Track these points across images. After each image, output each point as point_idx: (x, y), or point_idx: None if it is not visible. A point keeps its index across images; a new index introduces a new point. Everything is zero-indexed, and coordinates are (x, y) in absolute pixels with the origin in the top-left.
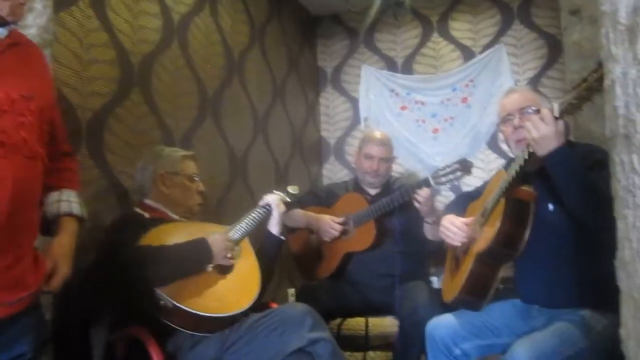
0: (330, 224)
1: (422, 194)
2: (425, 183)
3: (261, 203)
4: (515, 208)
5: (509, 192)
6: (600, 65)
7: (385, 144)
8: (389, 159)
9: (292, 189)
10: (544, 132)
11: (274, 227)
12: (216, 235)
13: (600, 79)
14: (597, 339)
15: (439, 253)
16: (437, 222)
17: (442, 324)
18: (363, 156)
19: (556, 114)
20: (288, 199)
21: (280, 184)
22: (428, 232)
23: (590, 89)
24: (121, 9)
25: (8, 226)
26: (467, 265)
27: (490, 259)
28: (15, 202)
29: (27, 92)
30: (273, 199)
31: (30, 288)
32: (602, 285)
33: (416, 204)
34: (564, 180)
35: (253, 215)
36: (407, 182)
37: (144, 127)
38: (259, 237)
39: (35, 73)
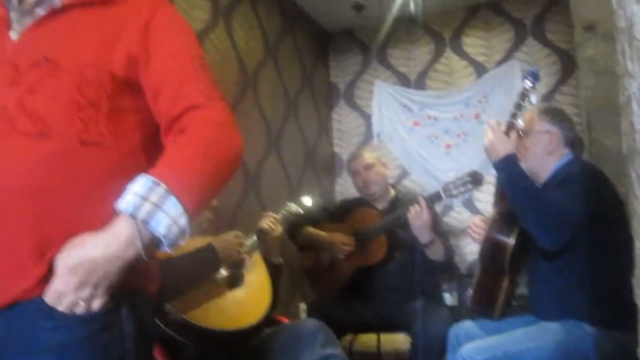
0: (342, 241)
1: (414, 209)
2: (437, 196)
3: (257, 227)
4: (502, 219)
5: (499, 204)
6: (524, 87)
7: (362, 153)
8: (372, 165)
9: (305, 200)
10: (490, 141)
11: (269, 254)
12: (226, 236)
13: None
14: (560, 342)
15: (445, 270)
16: (433, 244)
17: (462, 327)
18: (353, 176)
19: (503, 128)
20: (301, 210)
21: (292, 198)
22: (428, 252)
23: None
24: None
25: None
26: (477, 275)
27: (487, 266)
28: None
29: (55, 54)
30: (268, 224)
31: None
32: (585, 298)
33: (409, 218)
34: (506, 188)
35: (250, 242)
36: (417, 196)
37: None
38: None
39: (87, 31)
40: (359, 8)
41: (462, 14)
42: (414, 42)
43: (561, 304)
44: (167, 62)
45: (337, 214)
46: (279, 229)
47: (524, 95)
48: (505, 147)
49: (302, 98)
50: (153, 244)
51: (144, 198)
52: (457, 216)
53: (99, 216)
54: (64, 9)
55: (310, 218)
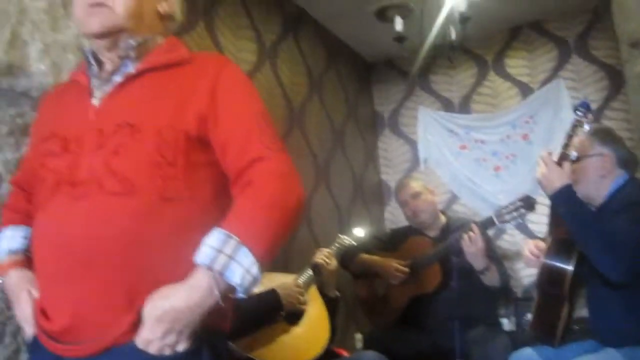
0: (396, 267)
1: (467, 236)
2: (489, 222)
3: (312, 262)
4: (559, 246)
5: (554, 231)
6: (576, 118)
7: (408, 182)
8: (419, 193)
9: (357, 232)
10: (543, 174)
11: (325, 288)
12: (286, 283)
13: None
14: None
15: (502, 295)
16: (488, 270)
17: (522, 355)
18: (402, 206)
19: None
20: (353, 242)
21: (343, 229)
22: (484, 278)
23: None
24: None
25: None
26: (535, 301)
27: (545, 293)
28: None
29: (135, 118)
30: (322, 259)
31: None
32: None
33: (463, 245)
34: (566, 220)
35: (304, 277)
36: (468, 222)
37: None
38: None
39: (161, 95)
40: (400, 39)
41: (503, 36)
42: (455, 67)
43: (623, 330)
44: (233, 120)
45: (388, 244)
46: (333, 263)
47: (575, 126)
48: (560, 178)
49: (348, 129)
50: (229, 291)
51: (219, 251)
52: (510, 239)
53: (179, 266)
54: (138, 74)
55: (362, 248)
